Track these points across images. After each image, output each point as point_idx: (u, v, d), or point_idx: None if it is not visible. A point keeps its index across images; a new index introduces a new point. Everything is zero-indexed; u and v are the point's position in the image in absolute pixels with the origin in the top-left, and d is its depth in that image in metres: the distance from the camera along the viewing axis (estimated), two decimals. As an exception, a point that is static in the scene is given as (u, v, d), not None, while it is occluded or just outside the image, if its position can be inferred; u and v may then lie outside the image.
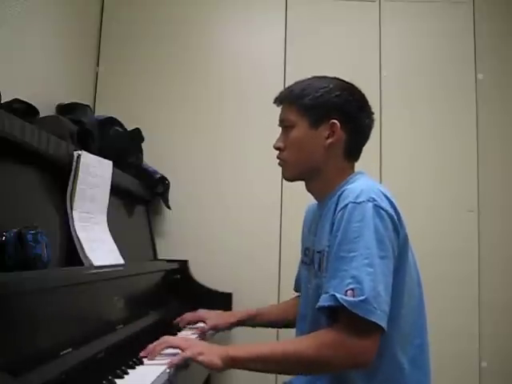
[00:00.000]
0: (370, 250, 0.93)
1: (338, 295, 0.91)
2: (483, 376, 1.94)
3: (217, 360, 0.92)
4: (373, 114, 1.16)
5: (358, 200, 0.98)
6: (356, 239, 0.95)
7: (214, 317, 1.38)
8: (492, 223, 2.03)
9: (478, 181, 2.04)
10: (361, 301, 0.89)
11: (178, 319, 1.38)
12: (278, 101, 1.18)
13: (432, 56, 2.12)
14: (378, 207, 0.97)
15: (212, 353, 0.94)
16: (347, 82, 1.15)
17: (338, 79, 1.15)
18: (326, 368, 0.98)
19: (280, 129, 1.18)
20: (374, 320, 0.89)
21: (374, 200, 0.97)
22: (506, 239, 2.03)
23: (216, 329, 1.37)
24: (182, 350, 0.95)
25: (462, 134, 2.08)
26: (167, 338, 1.01)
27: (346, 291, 0.91)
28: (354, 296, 0.90)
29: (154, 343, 1.00)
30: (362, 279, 0.91)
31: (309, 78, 1.17)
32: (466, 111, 2.09)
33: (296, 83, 1.17)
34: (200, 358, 0.93)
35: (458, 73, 2.11)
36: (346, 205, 0.98)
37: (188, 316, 1.39)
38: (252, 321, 1.39)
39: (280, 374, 1.02)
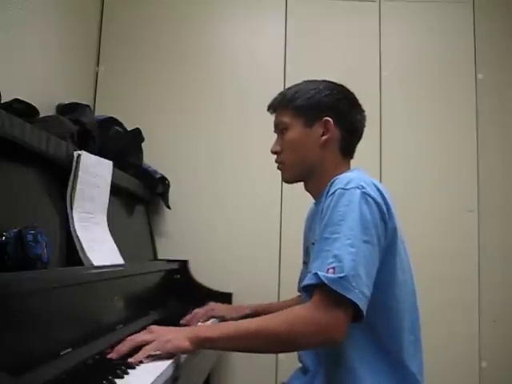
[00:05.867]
0: (353, 231, 0.95)
1: (319, 273, 0.92)
2: (483, 376, 1.94)
3: (185, 343, 0.92)
4: (364, 111, 1.19)
5: (347, 187, 1.00)
6: (340, 222, 0.96)
7: (223, 309, 1.41)
8: (492, 223, 2.02)
9: (478, 181, 2.04)
10: (339, 277, 0.90)
11: (189, 316, 1.37)
12: (272, 108, 1.22)
13: (432, 56, 2.12)
14: (365, 194, 0.99)
15: (179, 337, 0.93)
16: (336, 83, 1.19)
17: (327, 81, 1.19)
18: (295, 344, 0.99)
19: (275, 135, 1.21)
20: (350, 297, 0.90)
21: (363, 187, 0.99)
22: (505, 239, 2.02)
23: (222, 319, 1.38)
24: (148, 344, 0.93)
25: (462, 134, 2.08)
26: (131, 337, 0.97)
27: (328, 269, 0.92)
28: (334, 273, 0.91)
29: (120, 345, 0.95)
30: (343, 258, 0.92)
31: (299, 83, 1.21)
32: (465, 111, 2.09)
33: (287, 89, 1.22)
34: (168, 347, 0.92)
35: (457, 73, 2.11)
36: (335, 191, 1.00)
37: (199, 313, 1.39)
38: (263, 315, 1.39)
39: (252, 352, 1.01)
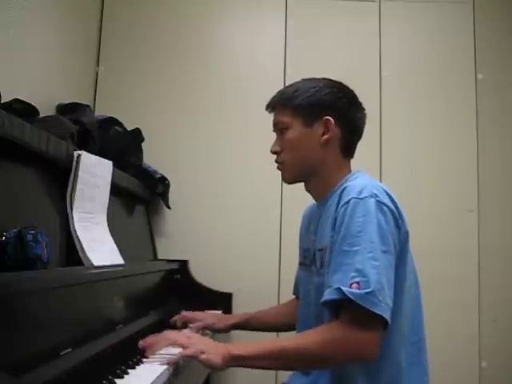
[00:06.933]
0: (373, 243, 0.94)
1: (343, 288, 0.91)
2: (483, 376, 1.94)
3: (217, 359, 0.92)
4: (364, 109, 1.18)
5: (361, 196, 0.99)
6: (359, 233, 0.95)
7: (210, 317, 1.40)
8: (492, 223, 2.02)
9: (478, 181, 2.04)
10: (367, 293, 0.89)
11: (176, 317, 1.38)
12: (271, 107, 1.20)
13: (432, 56, 2.12)
14: (380, 203, 0.98)
15: (213, 351, 0.93)
16: (336, 81, 1.17)
17: (326, 79, 1.17)
18: (330, 363, 0.98)
19: (275, 135, 1.19)
20: (379, 312, 0.89)
21: (377, 196, 0.99)
22: (506, 239, 2.02)
23: (211, 328, 1.37)
24: (184, 348, 0.94)
25: (462, 134, 2.08)
26: (169, 335, 1.00)
27: (351, 284, 0.91)
28: (359, 289, 0.90)
29: (156, 337, 1.00)
30: (368, 272, 0.91)
31: (298, 81, 1.19)
32: (465, 111, 2.08)
33: (286, 87, 1.20)
34: (201, 357, 0.92)
35: (457, 73, 2.11)
36: (349, 200, 0.99)
37: (186, 316, 1.39)
38: (250, 324, 1.39)
39: (283, 370, 1.01)
